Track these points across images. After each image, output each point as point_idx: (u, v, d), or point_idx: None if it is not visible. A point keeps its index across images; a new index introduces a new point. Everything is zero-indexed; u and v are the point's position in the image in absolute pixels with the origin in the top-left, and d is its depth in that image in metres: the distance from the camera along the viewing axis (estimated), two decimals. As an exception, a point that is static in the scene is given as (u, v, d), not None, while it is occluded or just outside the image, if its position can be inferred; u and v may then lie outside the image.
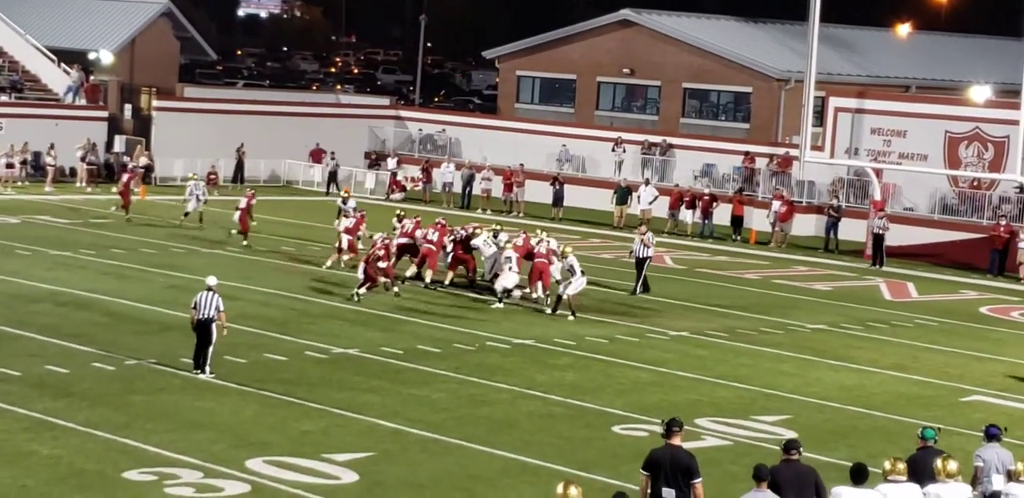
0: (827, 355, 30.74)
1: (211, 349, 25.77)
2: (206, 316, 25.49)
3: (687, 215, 51.04)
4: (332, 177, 58.30)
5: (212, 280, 26.05)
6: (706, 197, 50.99)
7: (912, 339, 33.31)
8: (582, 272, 33.97)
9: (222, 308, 25.61)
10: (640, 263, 37.69)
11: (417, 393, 25.35)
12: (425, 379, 26.47)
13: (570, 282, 33.80)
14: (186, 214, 45.98)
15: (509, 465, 21.39)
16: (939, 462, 16.57)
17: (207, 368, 25.73)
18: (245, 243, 41.93)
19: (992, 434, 18.00)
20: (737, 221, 50.35)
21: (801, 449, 16.63)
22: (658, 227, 48.39)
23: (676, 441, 16.74)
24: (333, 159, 58.76)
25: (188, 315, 26.09)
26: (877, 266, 45.02)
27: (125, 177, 48.21)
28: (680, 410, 24.83)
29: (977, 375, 29.54)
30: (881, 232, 45.60)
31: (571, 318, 33.43)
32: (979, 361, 31.10)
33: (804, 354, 30.73)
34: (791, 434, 23.30)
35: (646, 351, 30.10)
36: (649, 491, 16.63)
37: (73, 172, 56.59)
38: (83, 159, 55.79)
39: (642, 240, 37.79)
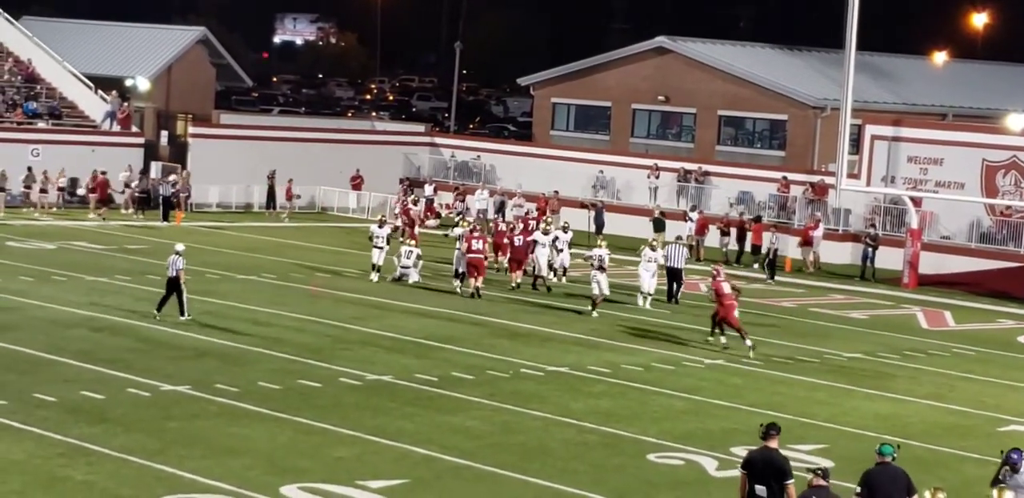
0: (863, 384, 30.57)
1: (185, 297, 33.11)
2: (173, 274, 33.09)
3: (723, 242, 50.89)
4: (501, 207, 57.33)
5: (180, 246, 33.82)
6: (740, 222, 50.93)
7: (949, 368, 33.11)
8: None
9: (180, 267, 33.12)
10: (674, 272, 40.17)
11: (451, 420, 25.31)
12: (459, 406, 26.42)
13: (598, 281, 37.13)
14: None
15: (542, 493, 21.30)
16: (928, 494, 17.00)
17: (186, 313, 33.14)
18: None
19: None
20: (756, 249, 50.04)
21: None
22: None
23: (773, 444, 17.80)
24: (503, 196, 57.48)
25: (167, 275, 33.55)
26: (770, 280, 45.89)
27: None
28: (715, 438, 24.78)
29: (1014, 405, 29.32)
30: (772, 247, 46.55)
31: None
32: (1016, 391, 30.87)
33: (840, 383, 30.57)
34: (827, 463, 23.17)
35: (681, 379, 29.99)
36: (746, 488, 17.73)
37: (111, 199, 56.82)
38: (127, 186, 55.91)
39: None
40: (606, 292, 37.35)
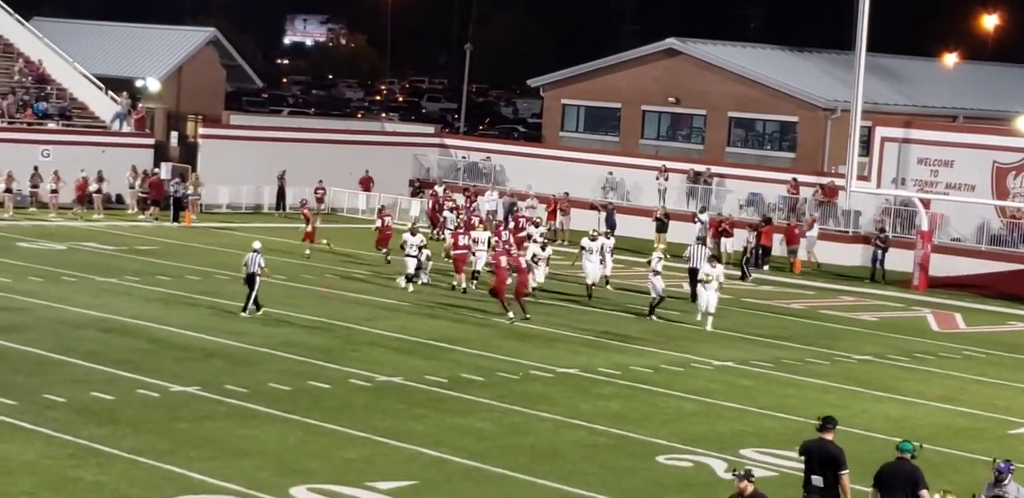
0: (873, 386, 30.53)
1: (255, 292, 34.18)
2: (253, 271, 34.11)
3: (726, 244, 50.76)
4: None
5: (257, 244, 34.85)
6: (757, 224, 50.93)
7: (959, 371, 33.05)
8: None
9: (263, 265, 34.27)
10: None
11: (461, 422, 25.30)
12: (469, 408, 26.42)
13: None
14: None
15: (552, 495, 21.29)
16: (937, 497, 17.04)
17: (260, 308, 34.26)
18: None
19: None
20: (765, 251, 49.93)
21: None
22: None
23: (828, 436, 18.63)
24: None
25: (244, 273, 34.86)
26: (749, 277, 46.34)
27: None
28: (724, 440, 24.75)
29: (1025, 407, 29.29)
30: (748, 246, 47.14)
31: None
32: (1027, 393, 30.84)
33: (850, 385, 30.53)
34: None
35: (691, 381, 29.97)
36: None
37: (120, 199, 56.86)
38: (132, 187, 55.89)
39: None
40: (655, 294, 37.45)
